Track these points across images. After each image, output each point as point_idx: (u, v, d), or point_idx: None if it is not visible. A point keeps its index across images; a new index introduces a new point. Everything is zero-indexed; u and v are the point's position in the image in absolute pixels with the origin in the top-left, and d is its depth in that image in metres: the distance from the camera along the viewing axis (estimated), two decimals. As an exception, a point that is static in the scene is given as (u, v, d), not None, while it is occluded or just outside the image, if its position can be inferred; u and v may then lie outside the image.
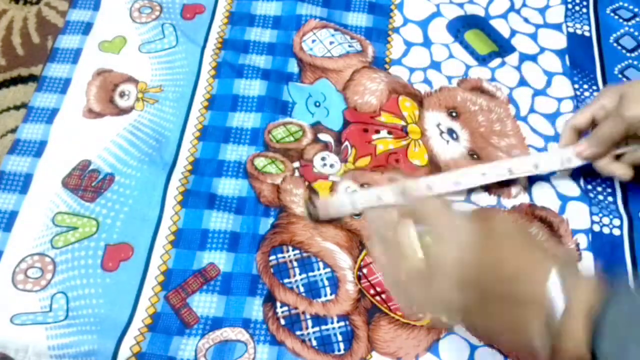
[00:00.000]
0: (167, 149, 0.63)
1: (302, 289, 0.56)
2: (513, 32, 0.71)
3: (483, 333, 0.45)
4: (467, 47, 0.70)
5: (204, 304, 0.55)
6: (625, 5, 0.72)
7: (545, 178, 0.61)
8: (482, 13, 0.72)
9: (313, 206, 0.58)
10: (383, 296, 0.56)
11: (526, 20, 0.72)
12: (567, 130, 0.58)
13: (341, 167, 0.62)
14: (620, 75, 0.67)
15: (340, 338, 0.54)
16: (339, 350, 0.53)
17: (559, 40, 0.70)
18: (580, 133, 0.58)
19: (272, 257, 0.57)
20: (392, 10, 0.73)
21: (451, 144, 0.63)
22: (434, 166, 0.62)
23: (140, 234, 0.58)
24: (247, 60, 0.69)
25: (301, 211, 0.59)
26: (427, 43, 0.70)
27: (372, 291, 0.56)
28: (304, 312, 0.55)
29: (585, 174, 0.61)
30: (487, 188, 0.60)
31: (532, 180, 0.61)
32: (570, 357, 0.34)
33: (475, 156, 0.63)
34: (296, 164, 0.62)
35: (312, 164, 0.62)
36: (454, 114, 0.65)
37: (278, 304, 0.55)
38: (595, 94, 0.66)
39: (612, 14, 0.72)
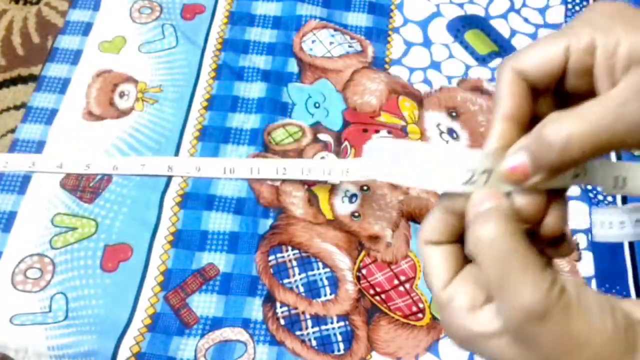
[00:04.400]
0: (167, 149, 0.63)
1: (301, 289, 0.56)
2: (513, 32, 0.71)
3: None
4: (467, 47, 0.70)
5: (204, 304, 0.55)
6: (626, 5, 0.72)
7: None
8: (482, 13, 0.72)
9: None
10: (383, 296, 0.56)
11: (526, 20, 0.72)
12: (498, 116, 0.28)
13: (341, 167, 0.62)
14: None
15: (340, 338, 0.54)
16: (339, 350, 0.53)
17: (559, 40, 0.70)
18: (524, 119, 0.28)
19: (272, 257, 0.57)
20: (392, 10, 0.73)
21: (451, 144, 0.63)
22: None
23: (139, 234, 0.58)
24: (247, 62, 0.68)
25: (300, 213, 0.59)
26: (427, 43, 0.70)
27: (371, 291, 0.56)
28: (303, 312, 0.55)
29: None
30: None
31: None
32: None
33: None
34: (296, 164, 0.62)
35: (311, 164, 0.62)
36: (454, 114, 0.65)
37: (278, 304, 0.55)
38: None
39: (612, 14, 0.72)
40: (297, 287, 0.56)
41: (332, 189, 0.60)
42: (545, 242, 0.29)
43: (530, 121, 0.28)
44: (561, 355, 0.25)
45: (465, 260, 0.29)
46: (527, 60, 0.28)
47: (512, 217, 0.27)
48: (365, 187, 0.60)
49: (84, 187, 0.60)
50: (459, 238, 0.29)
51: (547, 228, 0.28)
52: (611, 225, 0.42)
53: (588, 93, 0.27)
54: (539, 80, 0.28)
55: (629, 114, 0.24)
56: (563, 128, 0.25)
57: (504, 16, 0.72)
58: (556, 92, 0.29)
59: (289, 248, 0.57)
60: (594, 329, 0.25)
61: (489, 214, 0.26)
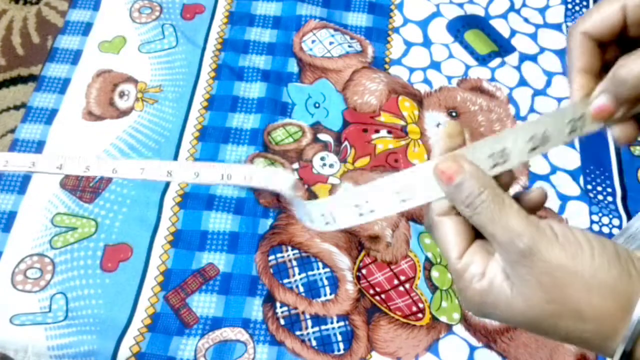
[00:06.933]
0: (167, 149, 0.63)
1: (301, 289, 0.56)
2: (513, 32, 0.71)
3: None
4: (467, 47, 0.70)
5: (204, 304, 0.55)
6: (625, 5, 0.72)
7: (545, 178, 0.61)
8: (482, 13, 0.72)
9: None
10: (383, 296, 0.56)
11: (526, 20, 0.72)
12: (574, 71, 0.33)
13: (340, 167, 0.62)
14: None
15: (340, 338, 0.54)
16: (339, 350, 0.53)
17: (559, 40, 0.70)
18: (596, 70, 0.33)
19: (272, 257, 0.57)
20: (392, 10, 0.73)
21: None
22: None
23: (139, 234, 0.58)
24: (247, 62, 0.68)
25: (300, 211, 0.59)
26: (427, 43, 0.70)
27: (371, 291, 0.56)
28: (303, 312, 0.55)
29: (585, 172, 0.61)
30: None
31: (531, 179, 0.61)
32: None
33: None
34: (295, 166, 0.62)
35: (311, 164, 0.62)
36: (453, 114, 0.65)
37: (278, 304, 0.55)
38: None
39: (612, 14, 0.72)
40: (297, 287, 0.56)
41: (332, 188, 0.60)
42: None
43: (600, 69, 0.33)
44: (559, 287, 0.28)
45: (475, 231, 0.32)
46: (590, 22, 0.33)
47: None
48: (365, 187, 0.60)
49: (84, 187, 0.60)
50: None
51: None
52: None
53: None
54: (602, 36, 0.33)
55: None
56: (634, 67, 0.30)
57: (504, 16, 0.72)
58: (621, 40, 0.34)
59: (289, 248, 0.57)
60: (583, 259, 0.28)
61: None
